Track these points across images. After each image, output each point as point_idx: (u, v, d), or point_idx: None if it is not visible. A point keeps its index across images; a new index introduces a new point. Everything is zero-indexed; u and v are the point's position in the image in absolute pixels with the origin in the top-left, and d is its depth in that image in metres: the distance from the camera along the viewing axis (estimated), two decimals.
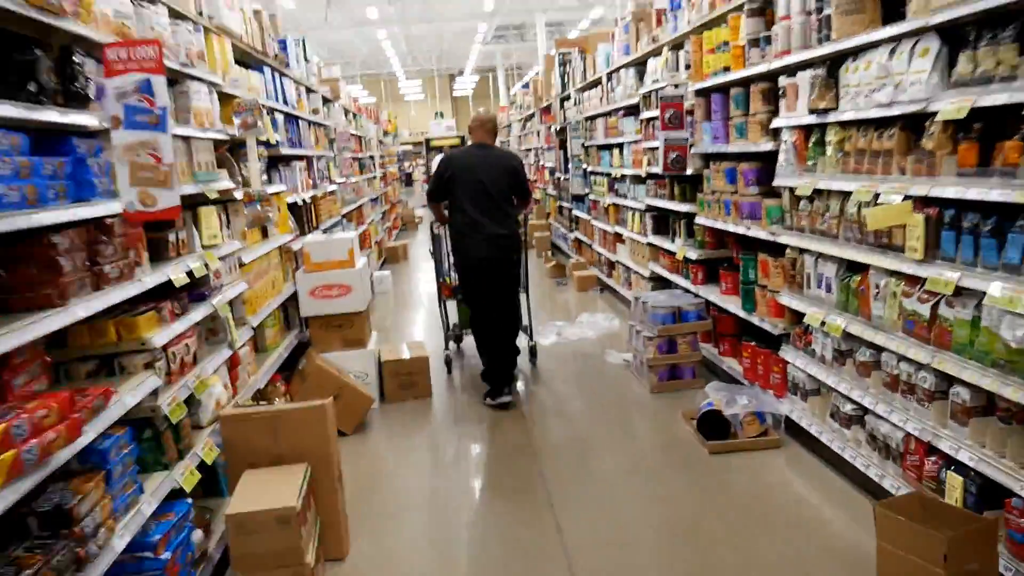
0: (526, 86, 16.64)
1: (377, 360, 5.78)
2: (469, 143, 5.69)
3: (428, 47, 28.43)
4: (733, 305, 5.23)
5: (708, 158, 5.56)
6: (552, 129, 12.36)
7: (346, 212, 8.95)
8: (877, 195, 3.35)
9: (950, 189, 2.92)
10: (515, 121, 18.97)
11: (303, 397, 5.04)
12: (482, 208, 5.26)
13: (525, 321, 6.27)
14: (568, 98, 11.04)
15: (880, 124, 3.46)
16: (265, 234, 5.33)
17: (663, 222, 7.00)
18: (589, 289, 9.59)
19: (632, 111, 7.59)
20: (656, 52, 6.54)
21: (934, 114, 2.99)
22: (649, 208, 7.14)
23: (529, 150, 16.37)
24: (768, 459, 4.28)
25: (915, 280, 3.23)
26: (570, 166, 10.54)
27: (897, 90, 3.21)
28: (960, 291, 2.93)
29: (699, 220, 5.74)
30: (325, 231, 7.31)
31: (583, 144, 10.01)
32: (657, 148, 6.26)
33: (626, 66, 7.54)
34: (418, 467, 4.68)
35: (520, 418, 5.28)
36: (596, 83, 9.13)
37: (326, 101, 9.04)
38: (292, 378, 5.28)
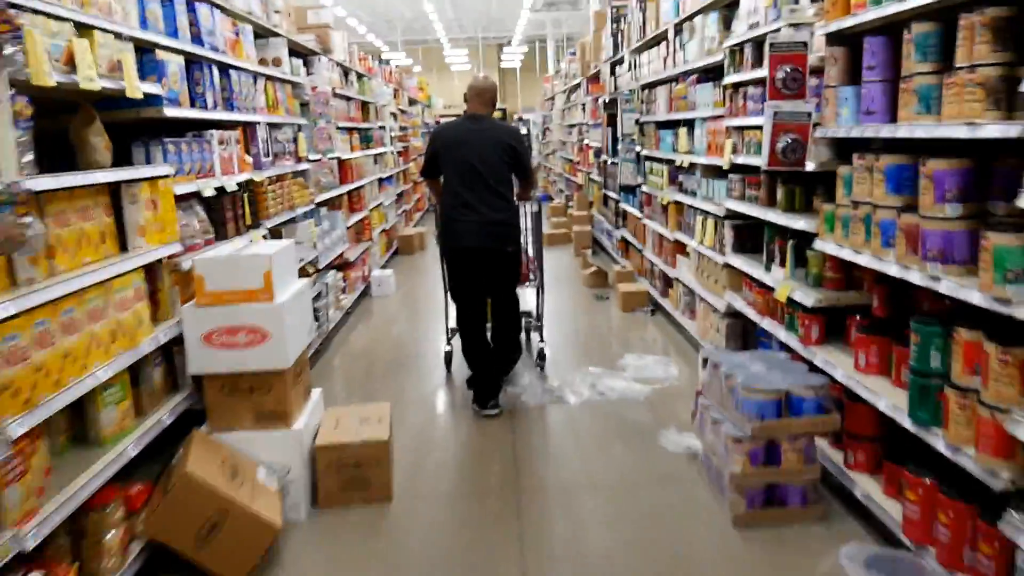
0: (573, 52, 14.38)
1: (309, 445, 3.77)
2: (462, 116, 4.93)
3: (476, 13, 26.24)
4: (884, 398, 3.08)
5: (848, 146, 3.39)
6: (600, 101, 10.16)
7: (326, 199, 6.90)
8: None
9: None
10: (559, 93, 16.73)
11: (156, 530, 3.05)
12: (473, 189, 4.61)
13: (534, 319, 5.76)
14: (621, 62, 8.82)
15: None
16: (125, 247, 3.32)
17: (752, 236, 4.83)
18: (636, 309, 7.44)
19: (710, 75, 5.40)
20: None
21: None
22: (731, 214, 4.97)
23: (572, 126, 14.16)
24: None
25: None
26: (620, 147, 8.36)
27: None
28: None
29: (822, 245, 3.58)
30: (275, 229, 5.28)
31: (637, 121, 7.82)
32: (756, 128, 4.10)
33: (705, 10, 5.33)
34: None
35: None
36: (658, 40, 6.92)
37: (303, 54, 6.98)
38: (157, 485, 3.29)
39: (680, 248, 6.41)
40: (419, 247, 11.70)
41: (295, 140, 5.97)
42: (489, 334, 4.95)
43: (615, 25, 8.94)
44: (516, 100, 35.23)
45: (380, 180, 10.45)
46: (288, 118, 5.83)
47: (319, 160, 6.39)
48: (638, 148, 7.83)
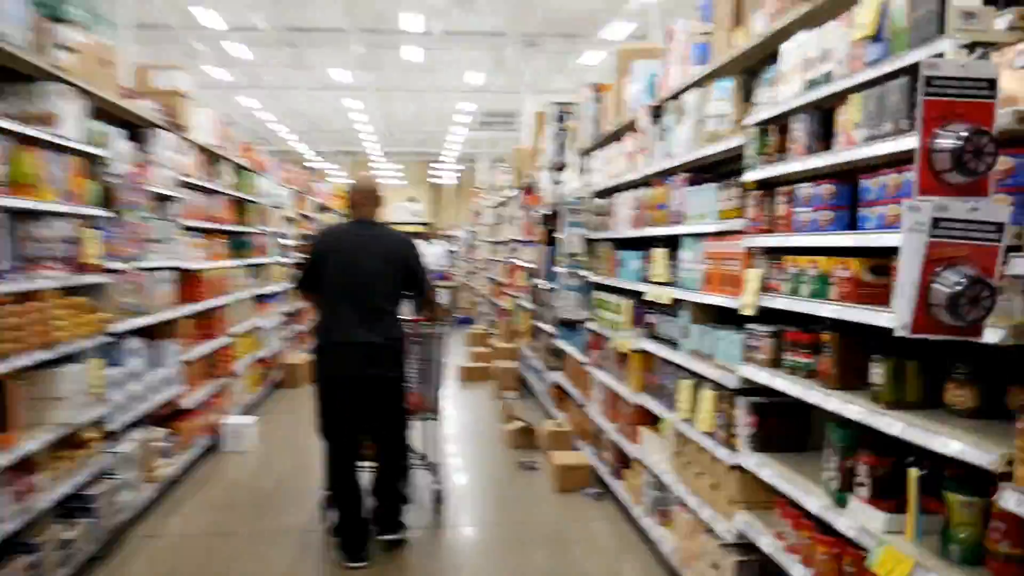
0: (504, 162, 12.85)
1: None
2: (348, 221, 4.36)
3: (408, 129, 25.12)
4: None
5: None
6: (533, 214, 8.44)
7: (145, 325, 4.77)
8: None
9: None
10: (487, 208, 15.13)
11: None
12: (353, 306, 4.01)
13: (424, 451, 4.93)
14: (563, 167, 7.13)
15: None
16: None
17: (790, 427, 2.94)
18: (576, 489, 5.42)
19: (707, 173, 3.63)
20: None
21: None
22: (751, 387, 3.07)
23: (501, 243, 12.44)
24: None
25: None
26: (558, 271, 6.55)
27: None
28: None
29: (1013, 498, 1.69)
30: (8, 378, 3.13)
31: (585, 237, 6.03)
32: (813, 252, 2.30)
33: (706, 79, 3.60)
34: None
35: None
36: (619, 135, 5.22)
37: (136, 125, 5.00)
38: None
39: (645, 417, 4.49)
40: (308, 378, 9.49)
41: (78, 240, 3.89)
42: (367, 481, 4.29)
43: (558, 123, 7.30)
44: (446, 217, 33.93)
45: (258, 297, 8.34)
46: (65, 205, 3.77)
47: (122, 271, 4.29)
48: (585, 273, 6.00)
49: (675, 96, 3.98)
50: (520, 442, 6.58)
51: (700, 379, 3.58)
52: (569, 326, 6.62)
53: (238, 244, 7.68)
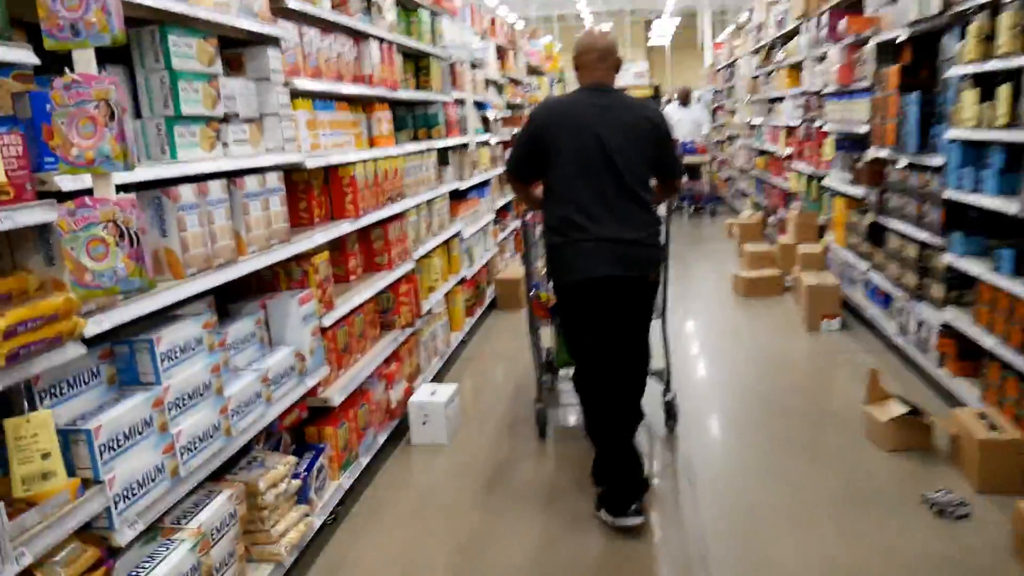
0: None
1: None
2: (576, 89, 3.41)
3: None
4: None
5: None
6: (871, 46, 5.18)
7: (220, 284, 2.38)
8: None
9: None
10: (742, 56, 11.65)
11: None
12: (602, 194, 3.20)
13: (659, 364, 4.02)
14: None
15: None
16: None
17: None
18: None
19: None
20: None
21: None
22: None
23: (775, 101, 9.10)
24: None
25: None
26: (952, 135, 3.43)
27: None
28: None
29: None
30: None
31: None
32: None
33: None
34: None
35: None
36: None
37: None
38: None
39: None
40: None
41: None
42: None
43: None
44: (665, 81, 30.25)
45: (456, 194, 5.90)
46: None
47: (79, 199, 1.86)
48: None
49: None
50: (904, 440, 3.72)
51: None
52: (983, 232, 3.56)
53: (419, 120, 5.19)
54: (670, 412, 4.12)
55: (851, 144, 6.04)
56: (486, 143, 7.11)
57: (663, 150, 3.35)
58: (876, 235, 5.38)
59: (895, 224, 4.97)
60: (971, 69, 3.81)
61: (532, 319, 4.24)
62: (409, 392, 4.26)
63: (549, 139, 3.23)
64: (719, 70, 14.93)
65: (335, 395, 3.31)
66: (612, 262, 3.18)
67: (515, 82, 9.37)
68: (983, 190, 3.76)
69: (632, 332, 3.37)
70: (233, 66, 2.96)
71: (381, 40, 4.34)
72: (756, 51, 10.41)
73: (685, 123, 10.91)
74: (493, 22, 8.34)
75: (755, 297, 6.84)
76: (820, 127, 6.75)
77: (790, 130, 8.22)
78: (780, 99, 8.63)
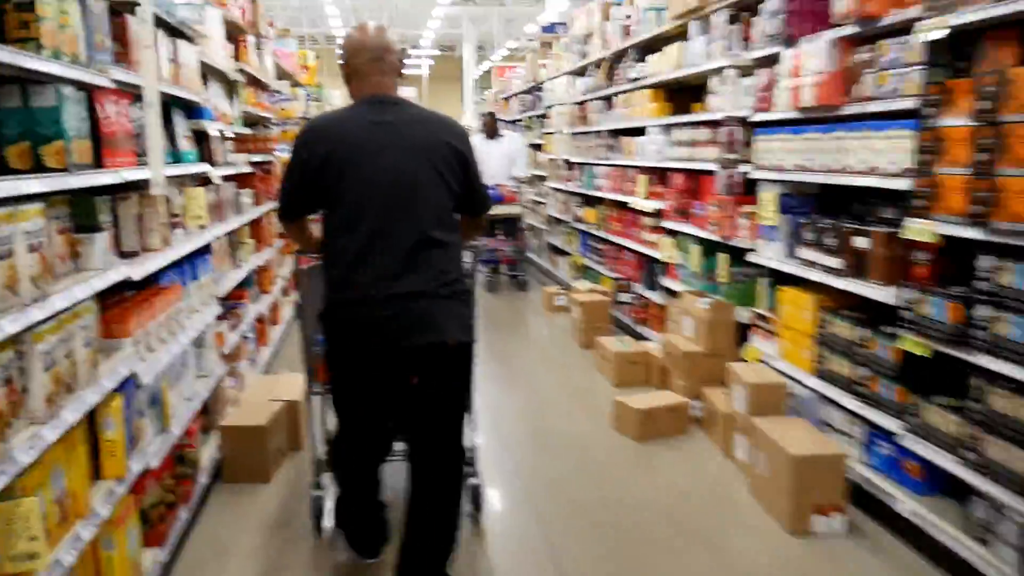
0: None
1: None
2: (351, 104, 2.75)
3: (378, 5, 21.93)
4: None
5: None
6: (927, 35, 2.87)
7: None
8: None
9: None
10: (557, 77, 9.42)
11: None
12: (389, 237, 2.55)
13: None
14: None
15: None
16: None
17: None
18: None
19: None
20: None
21: None
22: None
23: (619, 134, 6.81)
24: None
25: None
26: None
27: None
28: None
29: None
30: None
31: None
32: None
33: None
34: None
35: None
36: None
37: None
38: None
39: None
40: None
41: None
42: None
43: None
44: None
45: (125, 286, 2.76)
46: None
47: None
48: None
49: None
50: None
51: None
52: None
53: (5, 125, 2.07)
54: (475, 498, 3.39)
55: (819, 203, 3.74)
56: (204, 178, 3.99)
57: (470, 176, 2.71)
58: (925, 375, 3.05)
59: (1001, 367, 2.64)
60: None
61: (309, 381, 3.30)
62: None
63: (323, 170, 2.55)
64: (511, 97, 12.65)
65: None
66: (404, 326, 2.53)
67: (258, 84, 6.24)
68: None
69: (436, 411, 2.71)
70: None
71: None
72: (580, 70, 8.14)
73: (494, 159, 8.22)
74: None
75: (655, 440, 4.32)
76: (745, 175, 4.42)
77: (659, 175, 5.91)
78: (637, 131, 6.31)
